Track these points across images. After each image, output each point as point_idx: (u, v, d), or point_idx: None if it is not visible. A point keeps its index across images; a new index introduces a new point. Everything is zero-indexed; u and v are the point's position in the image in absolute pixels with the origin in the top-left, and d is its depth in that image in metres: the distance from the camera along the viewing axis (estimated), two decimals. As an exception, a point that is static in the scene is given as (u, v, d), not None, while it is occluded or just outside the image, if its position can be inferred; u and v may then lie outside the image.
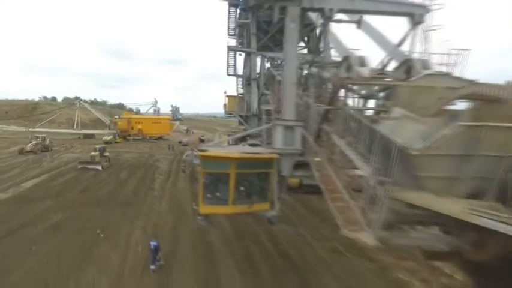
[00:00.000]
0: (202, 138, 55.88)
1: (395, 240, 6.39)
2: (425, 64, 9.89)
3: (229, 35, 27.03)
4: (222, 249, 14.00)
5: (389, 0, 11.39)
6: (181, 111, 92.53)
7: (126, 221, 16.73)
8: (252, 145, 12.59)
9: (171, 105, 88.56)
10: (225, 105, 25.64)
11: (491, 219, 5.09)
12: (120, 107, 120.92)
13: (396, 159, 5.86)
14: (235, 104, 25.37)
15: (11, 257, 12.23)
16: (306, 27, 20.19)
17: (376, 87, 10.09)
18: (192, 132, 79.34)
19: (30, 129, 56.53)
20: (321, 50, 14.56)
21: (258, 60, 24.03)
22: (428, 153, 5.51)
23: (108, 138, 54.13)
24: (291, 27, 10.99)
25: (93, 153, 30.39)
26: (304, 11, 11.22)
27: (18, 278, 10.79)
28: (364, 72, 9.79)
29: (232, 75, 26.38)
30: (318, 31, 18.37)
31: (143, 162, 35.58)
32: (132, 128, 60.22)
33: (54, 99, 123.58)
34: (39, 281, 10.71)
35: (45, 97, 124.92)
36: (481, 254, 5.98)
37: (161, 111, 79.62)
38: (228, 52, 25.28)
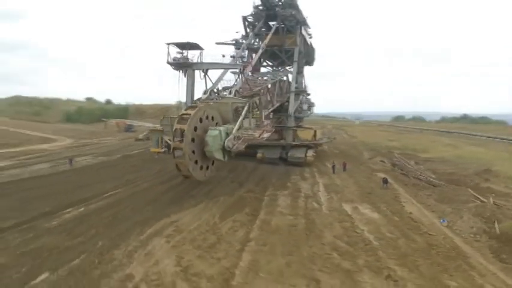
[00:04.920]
0: None
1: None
2: (225, 91, 24.72)
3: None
4: (166, 175, 30.93)
5: (229, 63, 26.12)
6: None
7: (154, 165, 35.39)
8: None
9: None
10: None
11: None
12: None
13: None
14: None
15: (114, 171, 32.54)
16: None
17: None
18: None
19: (155, 125, 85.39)
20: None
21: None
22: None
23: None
24: (189, 80, 27.08)
25: (140, 136, 53.37)
26: (194, 70, 27.03)
27: (104, 176, 30.67)
28: (203, 97, 25.21)
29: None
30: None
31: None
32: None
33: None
34: (112, 176, 30.23)
35: (179, 101, 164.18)
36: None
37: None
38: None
